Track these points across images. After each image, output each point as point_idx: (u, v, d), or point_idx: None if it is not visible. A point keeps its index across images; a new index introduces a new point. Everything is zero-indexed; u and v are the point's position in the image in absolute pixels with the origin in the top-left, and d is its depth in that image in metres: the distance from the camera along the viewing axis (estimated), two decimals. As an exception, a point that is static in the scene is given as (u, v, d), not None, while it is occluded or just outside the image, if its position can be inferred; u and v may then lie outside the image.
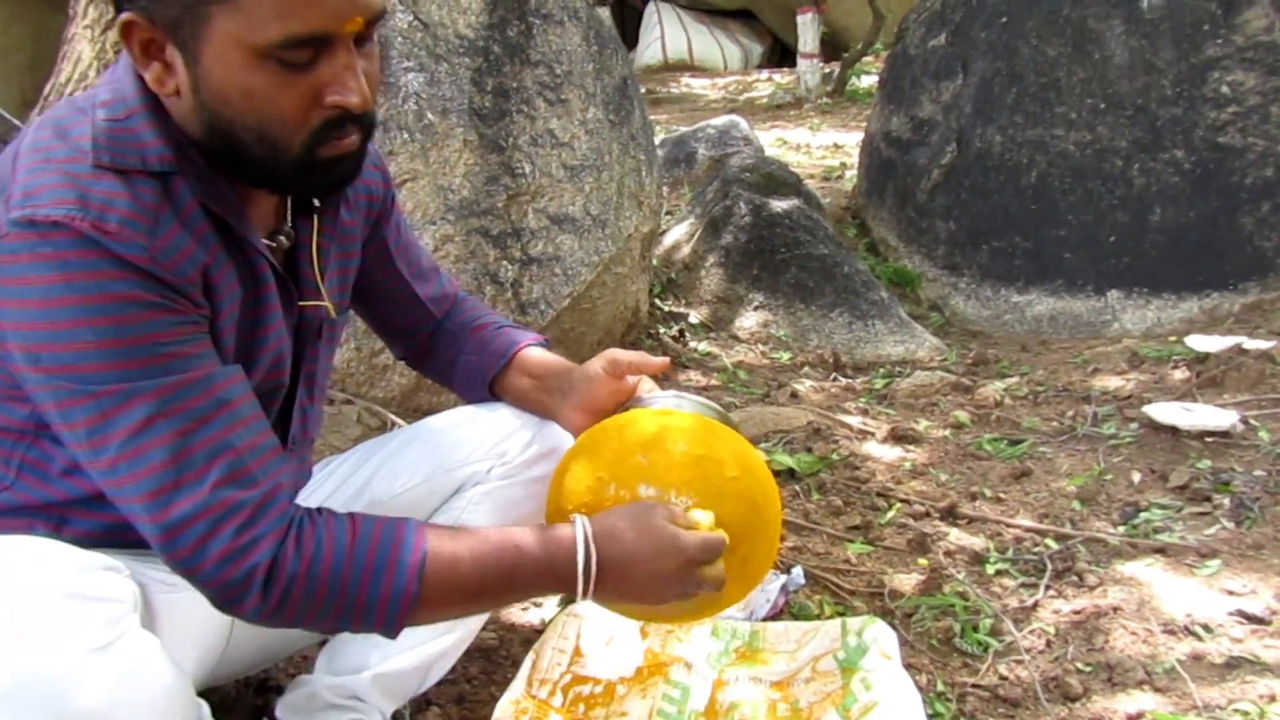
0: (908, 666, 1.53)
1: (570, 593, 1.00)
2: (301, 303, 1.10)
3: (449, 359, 1.36)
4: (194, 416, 0.89)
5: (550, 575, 1.00)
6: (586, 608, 1.53)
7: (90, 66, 2.21)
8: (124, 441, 0.87)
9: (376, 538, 0.95)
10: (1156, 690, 1.51)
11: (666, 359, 1.34)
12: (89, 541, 1.01)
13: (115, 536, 1.04)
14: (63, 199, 0.85)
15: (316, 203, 1.11)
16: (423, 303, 1.33)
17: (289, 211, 1.10)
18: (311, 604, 0.92)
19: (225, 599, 0.90)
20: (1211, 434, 2.29)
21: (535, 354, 1.33)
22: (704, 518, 1.06)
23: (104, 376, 0.87)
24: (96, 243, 0.85)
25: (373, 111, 0.97)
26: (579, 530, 1.00)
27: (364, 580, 0.93)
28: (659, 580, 1.00)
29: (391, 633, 0.97)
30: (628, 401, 1.23)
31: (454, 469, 1.32)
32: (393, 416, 2.26)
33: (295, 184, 0.99)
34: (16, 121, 3.15)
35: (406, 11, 2.35)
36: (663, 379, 2.74)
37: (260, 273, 1.02)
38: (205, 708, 0.95)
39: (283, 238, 1.08)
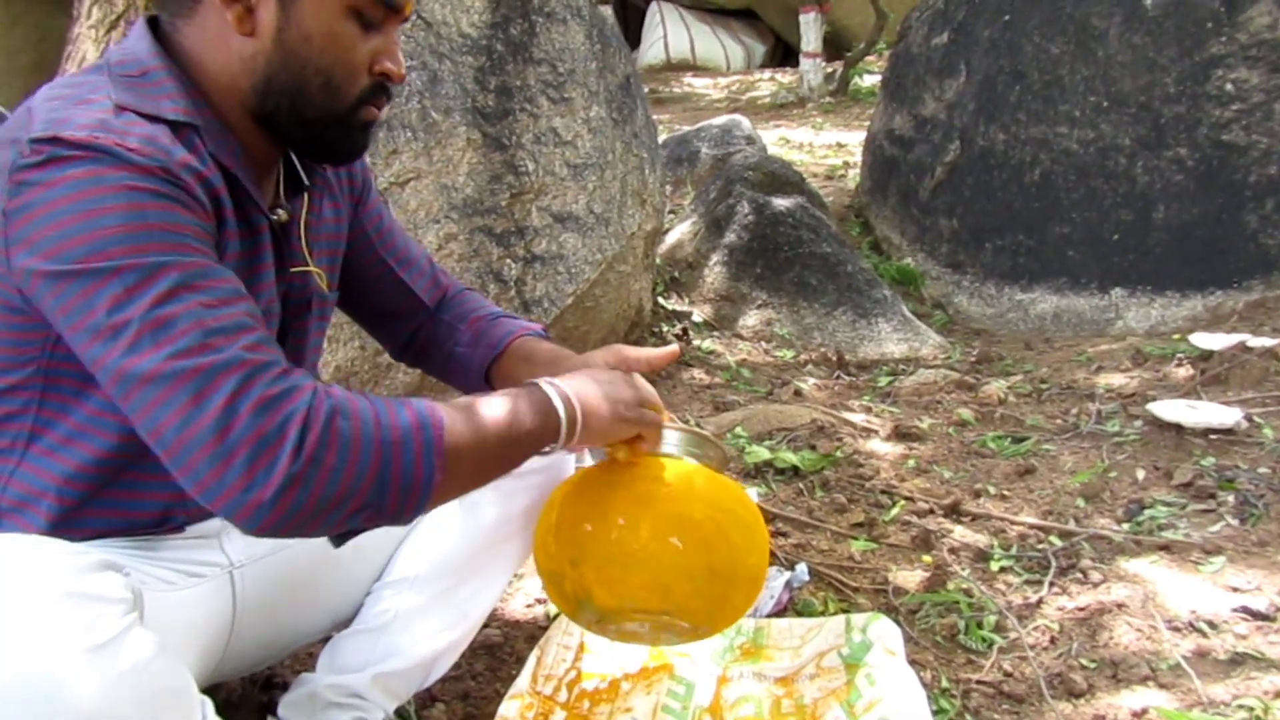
0: (912, 663, 1.53)
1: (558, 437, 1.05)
2: (293, 269, 1.12)
3: (446, 351, 1.35)
4: (217, 294, 0.88)
5: (543, 431, 1.03)
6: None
7: (94, 66, 2.22)
8: (149, 310, 0.85)
9: (391, 400, 0.95)
10: (1161, 686, 1.50)
11: (675, 348, 1.34)
12: (96, 529, 1.01)
13: (120, 528, 1.05)
14: (84, 123, 0.89)
15: (306, 182, 1.14)
16: (410, 290, 1.32)
17: (282, 192, 1.12)
18: (347, 456, 0.86)
19: (256, 464, 0.83)
20: (1216, 431, 2.29)
21: (534, 342, 1.32)
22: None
23: (131, 254, 0.86)
24: (119, 155, 0.88)
25: (401, 86, 1.08)
26: (555, 397, 1.05)
27: (395, 432, 0.89)
28: (619, 404, 1.09)
29: (433, 475, 0.91)
30: None
31: None
32: (397, 415, 2.26)
33: (328, 137, 1.05)
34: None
35: (410, 10, 2.35)
36: (663, 373, 2.75)
37: (259, 232, 1.05)
38: (209, 705, 0.94)
39: (280, 211, 1.10)
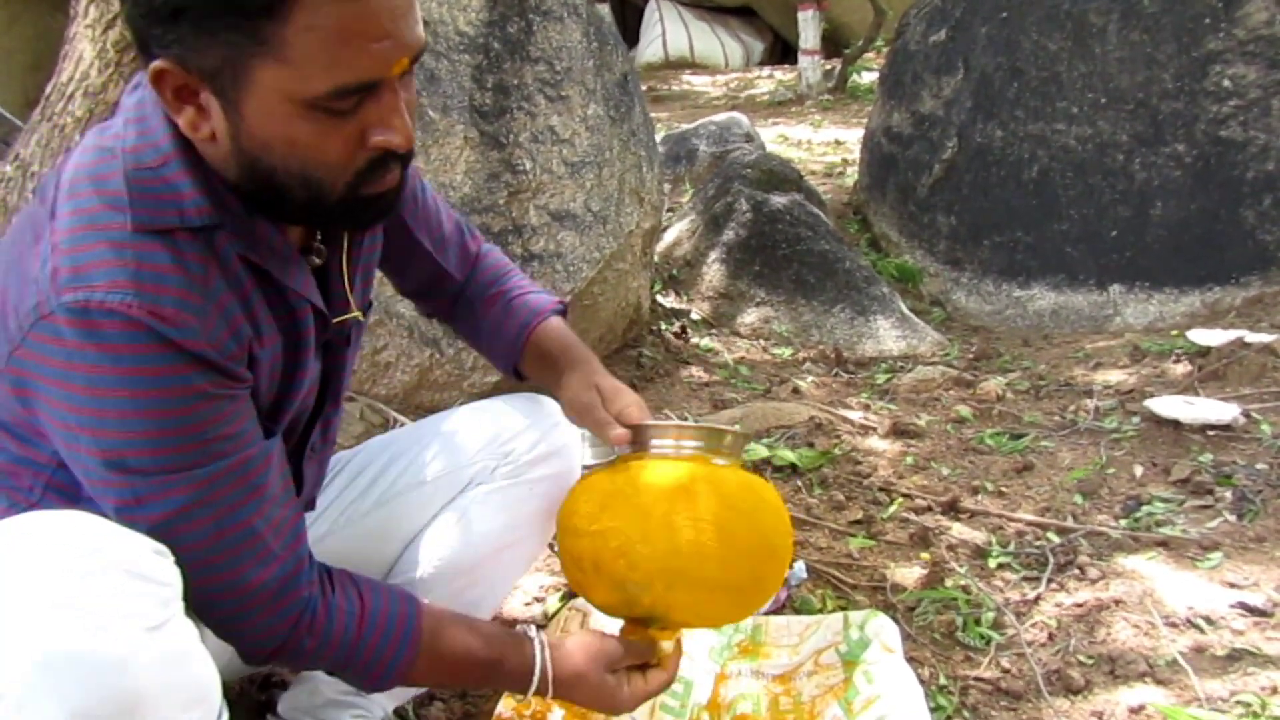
0: (910, 660, 1.53)
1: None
2: (335, 319, 1.09)
3: (471, 333, 1.40)
4: (227, 504, 0.92)
5: (512, 687, 1.15)
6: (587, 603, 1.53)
7: (91, 66, 2.21)
8: (157, 524, 0.88)
9: (382, 621, 1.04)
10: (1158, 683, 1.51)
11: (624, 433, 1.27)
12: None
13: None
14: (117, 282, 0.84)
15: None
16: (443, 268, 1.33)
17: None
18: (314, 665, 1.05)
19: (241, 648, 1.01)
20: (1213, 427, 2.29)
21: (544, 338, 1.33)
22: (667, 646, 1.20)
23: (145, 462, 0.87)
24: (151, 329, 0.84)
25: (414, 145, 0.94)
26: (538, 668, 1.12)
27: (364, 659, 1.03)
28: (595, 700, 1.17)
29: (378, 692, 1.10)
30: (635, 439, 1.21)
31: (460, 468, 1.34)
32: (395, 413, 2.26)
33: (337, 220, 0.98)
34: (18, 122, 3.15)
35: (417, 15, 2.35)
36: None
37: (300, 316, 1.02)
38: (225, 707, 0.95)
39: (314, 256, 1.06)
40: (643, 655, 1.18)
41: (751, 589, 1.18)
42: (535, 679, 1.11)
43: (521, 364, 1.34)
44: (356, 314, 1.12)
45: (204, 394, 0.88)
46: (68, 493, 0.96)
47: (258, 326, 0.95)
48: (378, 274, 1.27)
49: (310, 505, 1.27)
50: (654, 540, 1.11)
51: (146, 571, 0.83)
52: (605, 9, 2.40)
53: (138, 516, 0.88)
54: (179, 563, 0.88)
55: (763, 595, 1.20)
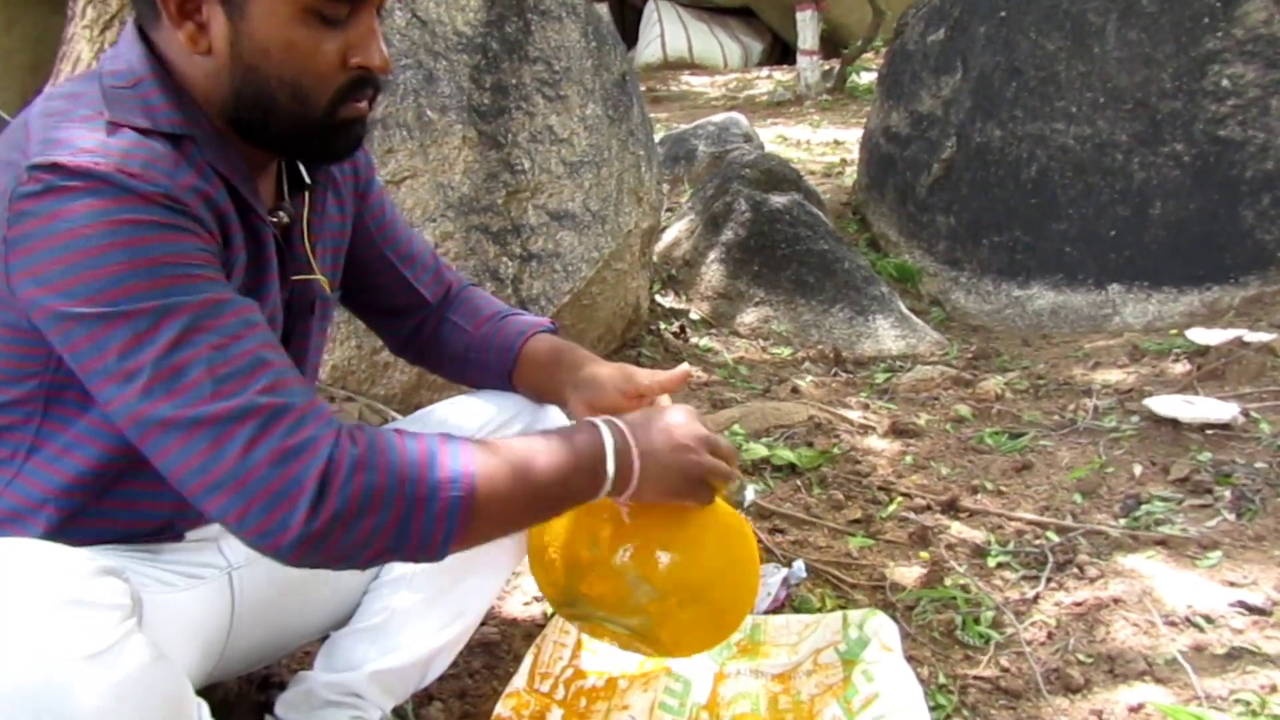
0: (909, 659, 1.53)
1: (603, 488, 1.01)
2: (295, 276, 1.11)
3: (458, 355, 1.34)
4: (227, 332, 0.88)
5: (590, 474, 1.00)
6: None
7: (89, 66, 2.21)
8: (160, 358, 0.85)
9: (423, 437, 0.93)
10: (1158, 681, 1.51)
11: (685, 368, 1.31)
12: (94, 539, 1.01)
13: (119, 538, 1.05)
14: (84, 148, 0.87)
15: (308, 180, 1.13)
16: (412, 286, 1.32)
17: (284, 188, 1.11)
18: (368, 508, 0.86)
19: (275, 513, 0.84)
20: (1212, 426, 2.29)
21: (543, 343, 1.31)
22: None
23: (136, 296, 0.86)
24: (120, 183, 0.86)
25: (390, 72, 1.02)
26: (607, 437, 1.01)
27: (421, 475, 0.89)
28: (676, 460, 1.04)
29: (451, 535, 0.91)
30: None
31: None
32: (393, 414, 2.26)
33: (313, 142, 1.01)
34: (17, 122, 3.14)
35: (405, 9, 2.35)
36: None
37: (263, 240, 1.04)
38: (204, 708, 0.94)
39: (282, 214, 1.09)
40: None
41: (731, 626, 1.21)
42: (610, 443, 0.99)
43: (517, 367, 1.31)
44: (320, 277, 1.14)
45: (179, 229, 0.89)
46: (49, 452, 0.97)
47: (224, 219, 0.97)
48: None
49: None
50: (689, 553, 1.11)
51: (87, 597, 0.81)
52: (604, 9, 2.41)
53: (141, 357, 0.85)
54: (192, 399, 0.84)
55: (724, 635, 1.23)
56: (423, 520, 0.89)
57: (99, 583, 0.84)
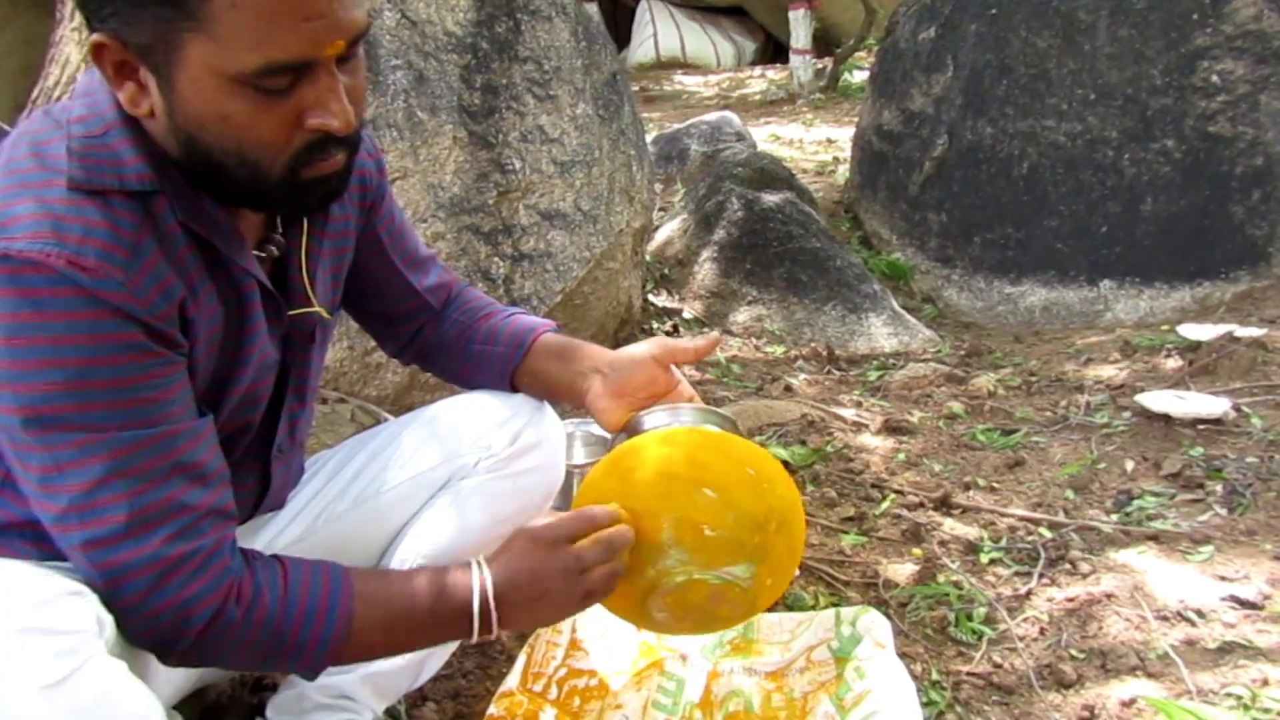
0: (902, 655, 1.53)
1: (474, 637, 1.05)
2: (291, 312, 1.08)
3: (458, 350, 1.32)
4: (152, 476, 0.89)
5: (456, 626, 1.04)
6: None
7: (78, 69, 2.21)
8: (76, 496, 0.87)
9: (307, 584, 0.98)
10: (1150, 676, 1.51)
11: (717, 335, 1.36)
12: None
13: None
14: (38, 232, 0.83)
15: None
16: (418, 293, 1.30)
17: (277, 217, 1.07)
18: (238, 650, 0.95)
19: (158, 644, 0.92)
20: (1204, 421, 2.29)
21: (557, 337, 1.30)
22: (603, 514, 1.07)
23: (67, 420, 0.85)
24: (72, 280, 0.83)
25: (357, 130, 0.95)
26: (475, 585, 1.03)
27: (295, 629, 0.96)
28: (550, 599, 1.04)
29: (313, 675, 1.00)
30: (632, 418, 1.20)
31: (441, 464, 1.30)
32: (386, 415, 2.25)
33: (279, 203, 0.97)
34: (6, 126, 3.14)
35: (394, 9, 2.35)
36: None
37: (245, 291, 1.01)
38: None
39: (272, 248, 1.06)
40: (589, 522, 1.05)
41: (798, 557, 1.21)
42: (475, 596, 1.00)
43: (526, 360, 1.29)
44: (319, 309, 1.11)
45: (129, 346, 0.87)
46: (22, 489, 0.95)
47: (193, 288, 0.94)
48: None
49: (280, 505, 1.26)
50: (759, 486, 1.10)
51: (45, 624, 0.81)
52: (593, 8, 2.40)
53: (59, 486, 0.86)
54: (100, 538, 0.87)
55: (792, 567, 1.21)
56: (287, 667, 0.99)
57: (60, 607, 0.83)
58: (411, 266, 1.30)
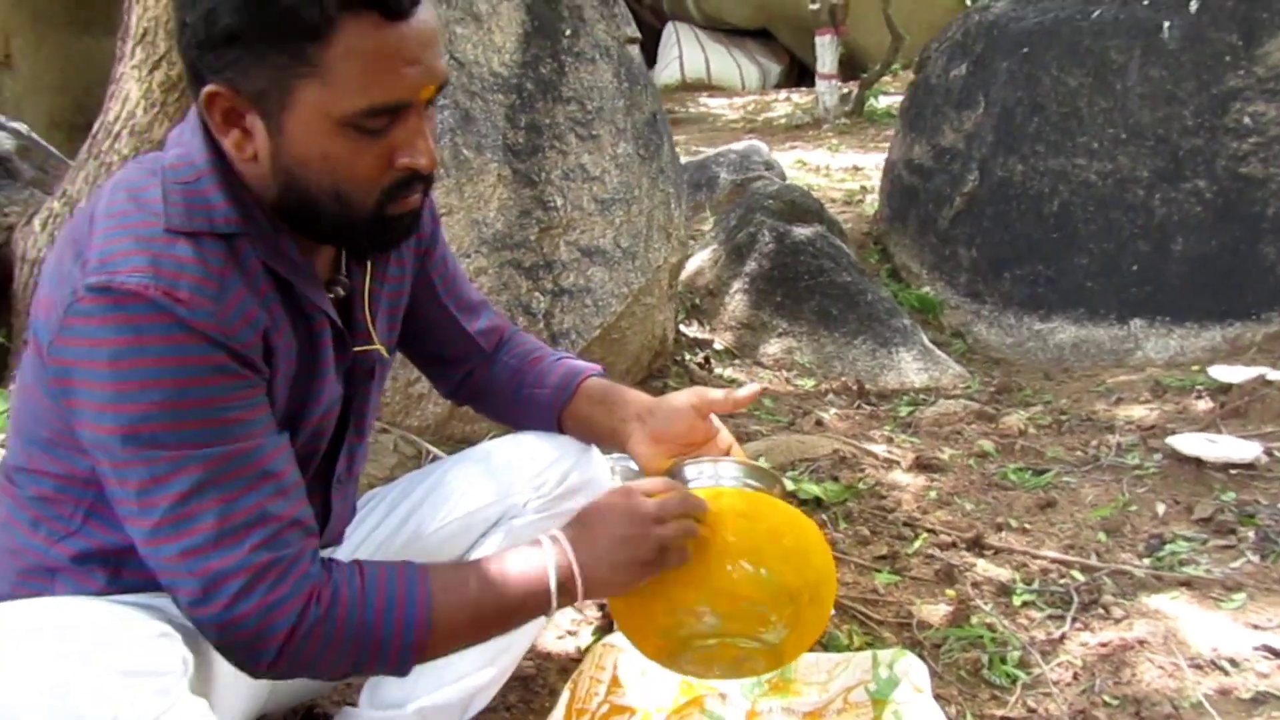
0: (937, 697, 1.55)
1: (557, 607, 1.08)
2: (356, 349, 1.15)
3: (509, 393, 1.38)
4: (240, 485, 0.95)
5: (535, 600, 1.07)
6: (621, 638, 1.56)
7: (138, 105, 2.28)
8: (171, 506, 0.92)
9: (383, 579, 1.02)
10: (1183, 725, 1.53)
11: (758, 387, 1.38)
12: (143, 585, 1.05)
13: None
14: (137, 267, 0.91)
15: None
16: (470, 336, 1.36)
17: (344, 259, 1.14)
18: (326, 653, 0.98)
19: (247, 652, 0.96)
20: (1236, 466, 2.31)
21: (601, 383, 1.35)
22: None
23: (163, 438, 0.92)
24: (168, 310, 0.90)
25: (437, 169, 1.03)
26: (549, 556, 1.07)
27: (378, 625, 0.99)
28: (632, 562, 1.08)
29: (405, 669, 1.03)
30: (675, 465, 1.24)
31: (492, 503, 1.34)
32: (428, 445, 2.30)
33: (363, 239, 1.04)
34: (52, 148, 3.23)
35: (442, 49, 2.41)
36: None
37: (318, 329, 1.07)
38: None
39: (339, 288, 1.13)
40: (665, 483, 1.14)
41: (828, 614, 1.23)
42: (553, 565, 1.05)
43: (572, 403, 1.34)
44: (379, 347, 1.18)
45: (219, 370, 0.94)
46: (107, 518, 1.01)
47: (274, 321, 1.01)
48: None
49: (338, 539, 1.31)
50: (796, 560, 1.14)
51: (141, 666, 0.88)
52: (636, 50, 2.44)
53: (156, 498, 0.92)
54: (193, 548, 0.92)
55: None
56: (378, 663, 1.01)
57: (153, 648, 0.90)
58: (464, 311, 1.36)
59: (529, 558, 1.07)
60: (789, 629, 1.14)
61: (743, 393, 1.32)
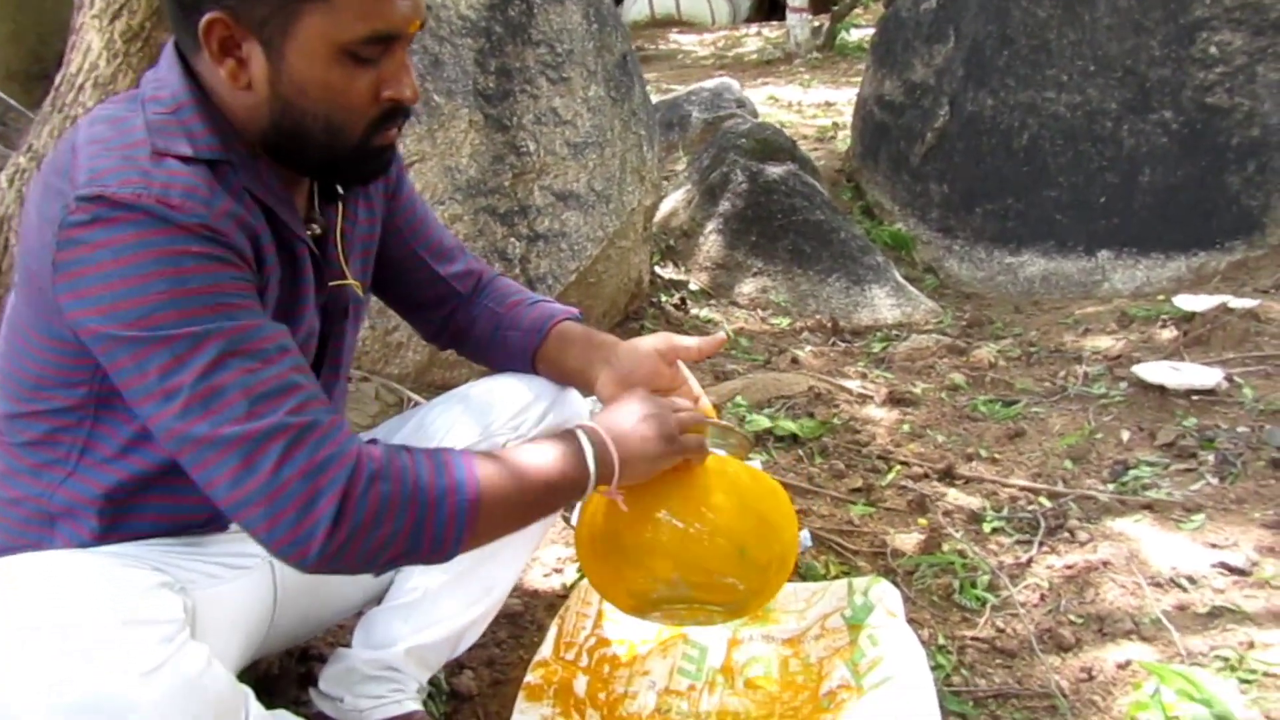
0: (910, 622, 1.62)
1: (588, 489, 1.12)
2: (331, 283, 1.17)
3: (487, 336, 1.41)
4: (261, 356, 0.95)
5: (579, 472, 1.10)
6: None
7: (100, 56, 2.24)
8: (197, 379, 0.92)
9: (428, 453, 1.02)
10: (1144, 640, 1.60)
11: (722, 336, 1.41)
12: (144, 533, 1.08)
13: (168, 530, 1.11)
14: (127, 179, 0.93)
15: (341, 190, 1.18)
16: (444, 279, 1.38)
17: (316, 199, 1.17)
18: (384, 518, 0.95)
19: (297, 529, 0.92)
20: (1198, 392, 2.38)
21: (574, 326, 1.39)
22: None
23: (176, 323, 0.93)
24: (162, 215, 0.93)
25: (416, 105, 1.07)
26: (583, 436, 1.11)
27: (431, 485, 0.98)
28: (649, 428, 1.14)
29: (457, 541, 1.00)
30: None
31: (474, 444, 1.36)
32: (409, 392, 2.33)
33: (345, 169, 1.08)
34: (13, 102, 3.17)
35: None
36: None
37: (299, 255, 1.10)
38: (250, 697, 1.01)
39: (315, 226, 1.15)
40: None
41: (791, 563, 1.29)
42: (588, 442, 1.09)
43: (544, 345, 1.37)
44: (354, 283, 1.20)
45: (218, 259, 0.95)
46: (101, 452, 1.03)
47: (260, 240, 1.03)
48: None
49: None
50: (767, 535, 1.21)
51: (143, 615, 0.90)
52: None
53: (180, 378, 0.92)
54: (228, 419, 0.92)
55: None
56: (434, 525, 0.98)
57: (155, 599, 0.93)
58: (435, 255, 1.38)
59: (565, 439, 1.11)
60: (756, 595, 1.23)
61: (707, 342, 1.36)
